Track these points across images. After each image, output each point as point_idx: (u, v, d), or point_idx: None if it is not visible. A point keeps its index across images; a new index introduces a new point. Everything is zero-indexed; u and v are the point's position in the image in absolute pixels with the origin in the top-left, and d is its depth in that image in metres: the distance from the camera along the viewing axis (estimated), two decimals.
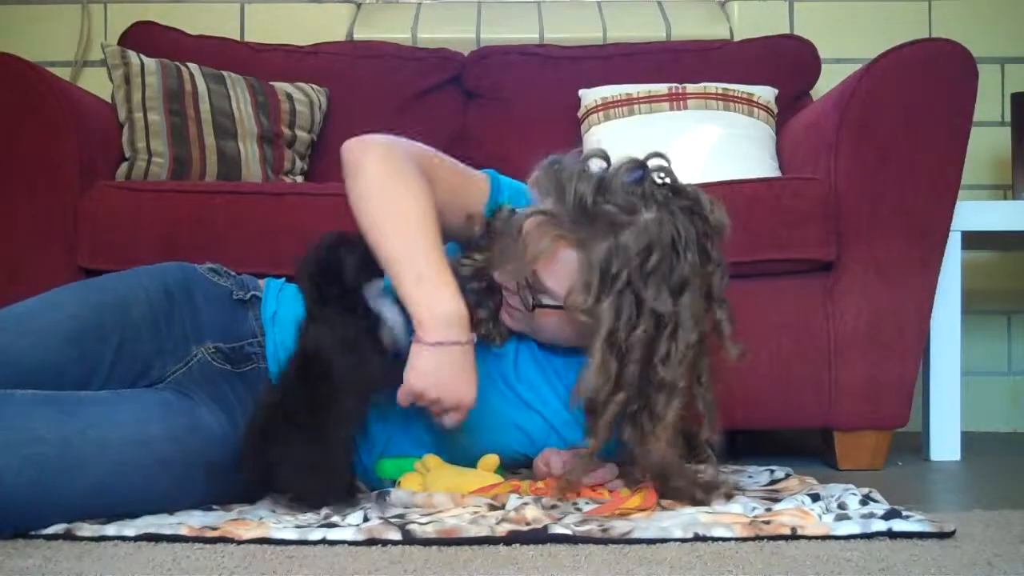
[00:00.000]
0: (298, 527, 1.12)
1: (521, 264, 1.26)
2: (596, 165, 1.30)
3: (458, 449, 1.35)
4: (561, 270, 1.26)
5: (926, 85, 1.80)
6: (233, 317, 1.38)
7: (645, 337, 1.22)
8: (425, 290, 1.18)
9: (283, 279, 1.50)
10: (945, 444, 1.96)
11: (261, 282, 1.48)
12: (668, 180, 1.28)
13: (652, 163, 1.30)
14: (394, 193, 1.22)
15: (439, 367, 1.19)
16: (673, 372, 1.23)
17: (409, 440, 1.38)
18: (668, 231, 1.23)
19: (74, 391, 1.21)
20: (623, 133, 2.26)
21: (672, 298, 1.23)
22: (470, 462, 1.35)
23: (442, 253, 1.22)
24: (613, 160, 1.31)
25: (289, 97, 2.30)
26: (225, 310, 1.38)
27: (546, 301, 1.30)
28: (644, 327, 1.22)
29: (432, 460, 1.34)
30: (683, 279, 1.23)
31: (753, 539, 1.10)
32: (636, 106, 2.29)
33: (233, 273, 1.46)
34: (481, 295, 1.34)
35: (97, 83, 2.43)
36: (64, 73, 2.57)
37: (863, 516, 1.17)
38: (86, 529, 1.12)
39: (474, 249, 1.35)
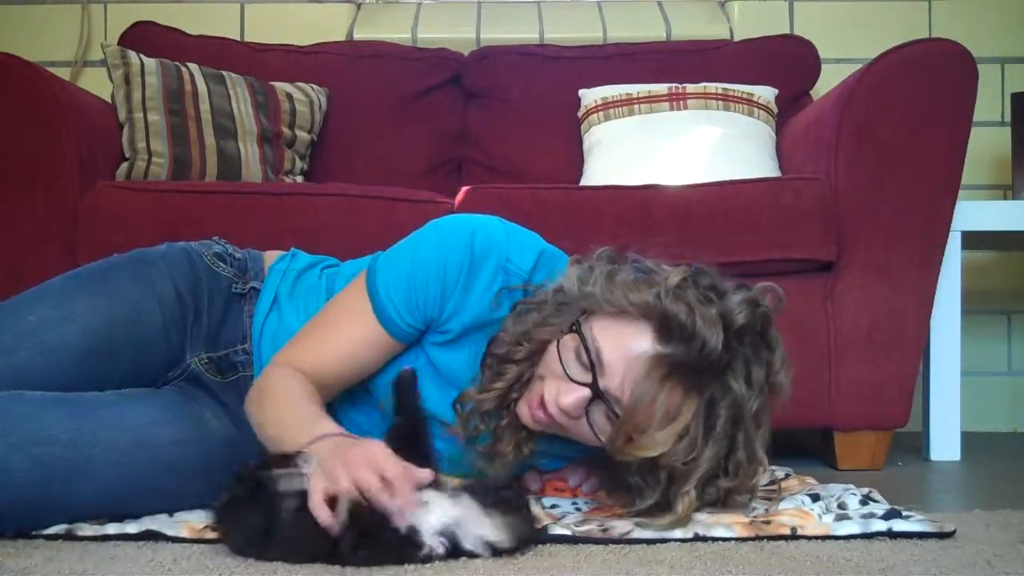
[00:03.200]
0: None
1: (614, 402, 1.13)
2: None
3: (457, 465, 1.34)
4: (672, 427, 1.11)
5: (926, 85, 1.80)
6: (226, 316, 1.37)
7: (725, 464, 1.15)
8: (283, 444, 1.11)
9: (291, 251, 1.45)
10: (945, 444, 1.96)
11: (266, 255, 1.44)
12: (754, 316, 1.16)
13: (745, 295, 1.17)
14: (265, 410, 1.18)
15: (325, 464, 1.03)
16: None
17: None
18: (758, 374, 1.15)
19: (83, 393, 1.22)
20: (623, 133, 2.26)
21: (759, 439, 1.16)
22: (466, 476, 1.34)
23: (301, 407, 1.16)
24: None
25: (289, 97, 2.30)
26: (222, 308, 1.37)
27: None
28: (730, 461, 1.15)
29: None
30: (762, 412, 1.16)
31: (753, 539, 1.10)
32: (636, 106, 2.29)
33: (237, 254, 1.43)
34: (505, 426, 1.23)
35: (97, 83, 2.43)
36: (64, 73, 2.57)
37: (863, 516, 1.17)
38: (87, 529, 1.12)
39: (494, 376, 1.23)
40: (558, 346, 1.17)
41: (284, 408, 1.17)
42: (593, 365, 1.14)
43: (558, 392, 1.16)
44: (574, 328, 1.16)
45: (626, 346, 1.13)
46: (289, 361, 1.24)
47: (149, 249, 1.40)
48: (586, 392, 1.14)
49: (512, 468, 1.27)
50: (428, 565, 0.98)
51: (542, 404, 1.18)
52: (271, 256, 1.45)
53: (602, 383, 1.13)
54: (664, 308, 1.11)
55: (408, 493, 0.99)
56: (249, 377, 1.35)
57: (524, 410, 1.21)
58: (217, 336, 1.35)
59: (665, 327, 1.11)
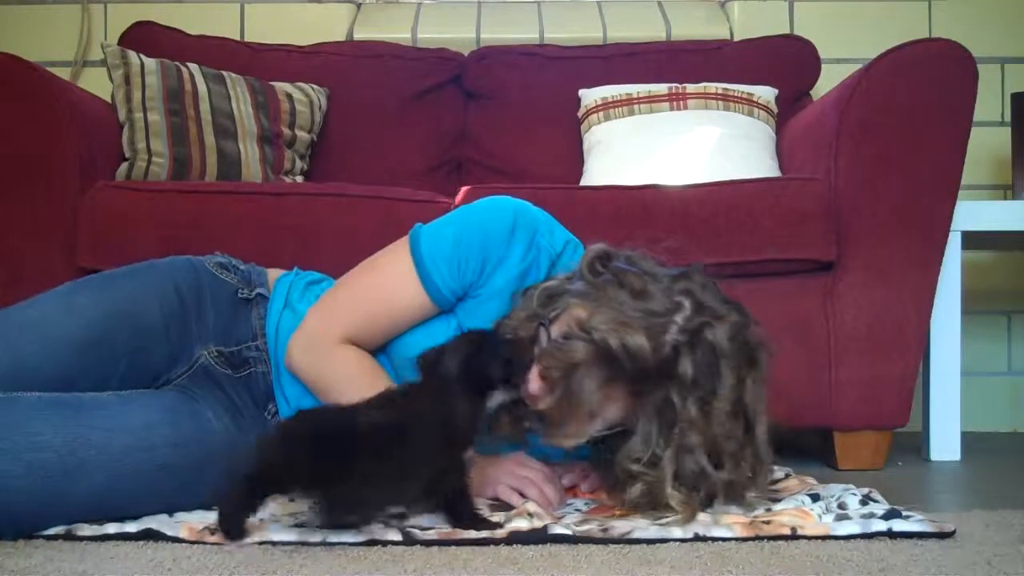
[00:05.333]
0: (298, 528, 1.12)
1: (581, 415, 1.19)
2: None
3: None
4: (619, 409, 1.20)
5: (926, 85, 1.80)
6: (235, 317, 1.39)
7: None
8: None
9: (293, 270, 1.49)
10: (945, 444, 1.96)
11: (269, 273, 1.47)
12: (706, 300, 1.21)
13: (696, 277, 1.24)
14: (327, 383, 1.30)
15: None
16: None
17: None
18: (740, 376, 1.19)
19: (79, 394, 1.21)
20: (623, 133, 2.26)
21: (745, 428, 1.21)
22: None
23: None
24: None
25: (289, 97, 2.30)
26: (229, 310, 1.39)
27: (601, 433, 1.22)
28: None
29: None
30: (749, 407, 1.21)
31: (753, 539, 1.10)
32: (636, 106, 2.29)
33: (241, 266, 1.46)
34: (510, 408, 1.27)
35: (97, 83, 2.43)
36: (64, 73, 2.57)
37: (863, 516, 1.17)
38: (87, 529, 1.12)
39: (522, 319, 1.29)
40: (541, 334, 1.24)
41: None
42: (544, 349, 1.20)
43: (533, 376, 1.22)
44: (543, 325, 1.23)
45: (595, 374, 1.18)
46: (345, 333, 1.32)
47: (153, 260, 1.43)
48: (540, 380, 1.21)
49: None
50: (428, 565, 0.98)
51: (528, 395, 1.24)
52: (274, 272, 1.48)
53: (545, 360, 1.19)
54: (611, 344, 1.15)
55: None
56: (261, 373, 1.36)
57: (531, 390, 1.25)
58: (228, 333, 1.37)
59: (607, 354, 1.16)
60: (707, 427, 1.17)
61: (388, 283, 1.33)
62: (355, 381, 1.28)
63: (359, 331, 1.33)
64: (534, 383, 1.21)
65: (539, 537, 1.08)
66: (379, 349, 1.37)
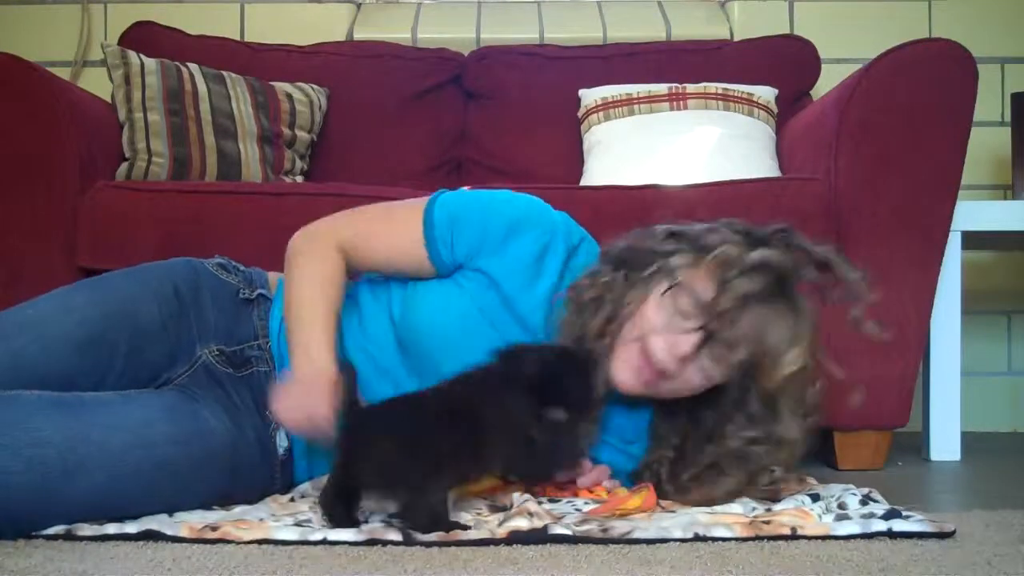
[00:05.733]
0: (299, 527, 1.12)
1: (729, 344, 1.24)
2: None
3: None
4: (798, 346, 1.28)
5: (926, 85, 1.80)
6: (237, 317, 1.39)
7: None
8: (299, 355, 1.28)
9: None
10: (945, 444, 1.96)
11: (271, 275, 1.48)
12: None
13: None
14: (296, 278, 1.35)
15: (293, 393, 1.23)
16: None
17: None
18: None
19: (80, 392, 1.21)
20: (623, 133, 2.26)
21: None
22: None
23: (323, 325, 1.30)
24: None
25: (289, 97, 2.30)
26: (230, 309, 1.39)
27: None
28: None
29: None
30: None
31: (753, 539, 1.10)
32: (636, 106, 2.29)
33: (241, 268, 1.46)
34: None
35: (97, 83, 2.43)
36: (64, 73, 2.57)
37: (863, 516, 1.17)
38: (87, 529, 1.12)
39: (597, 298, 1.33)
40: (644, 306, 1.28)
41: (307, 308, 1.31)
42: (700, 309, 1.23)
43: (670, 344, 1.25)
44: (672, 284, 1.26)
45: (730, 293, 1.24)
46: (343, 239, 1.37)
47: (152, 262, 1.44)
48: (698, 336, 1.23)
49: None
50: (428, 565, 0.99)
51: (649, 362, 1.26)
52: (276, 274, 1.48)
53: (711, 324, 1.22)
54: (733, 252, 1.26)
55: None
56: (264, 372, 1.36)
57: (625, 374, 1.29)
58: (229, 332, 1.37)
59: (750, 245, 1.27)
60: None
61: (398, 225, 1.38)
62: (310, 286, 1.33)
63: (355, 245, 1.37)
64: (687, 345, 1.24)
65: (539, 537, 1.08)
66: (387, 319, 1.38)
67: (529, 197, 1.40)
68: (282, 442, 1.35)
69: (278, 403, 1.23)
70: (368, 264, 1.40)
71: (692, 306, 1.24)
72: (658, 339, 1.26)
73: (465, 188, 1.44)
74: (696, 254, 1.29)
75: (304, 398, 1.21)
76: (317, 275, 1.35)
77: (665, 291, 1.27)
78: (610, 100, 2.31)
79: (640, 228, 1.37)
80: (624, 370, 1.29)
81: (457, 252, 1.35)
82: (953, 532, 1.12)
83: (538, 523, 1.11)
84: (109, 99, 2.16)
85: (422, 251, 1.35)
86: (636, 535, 1.09)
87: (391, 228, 1.38)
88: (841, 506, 1.25)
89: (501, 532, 1.09)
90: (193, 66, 2.23)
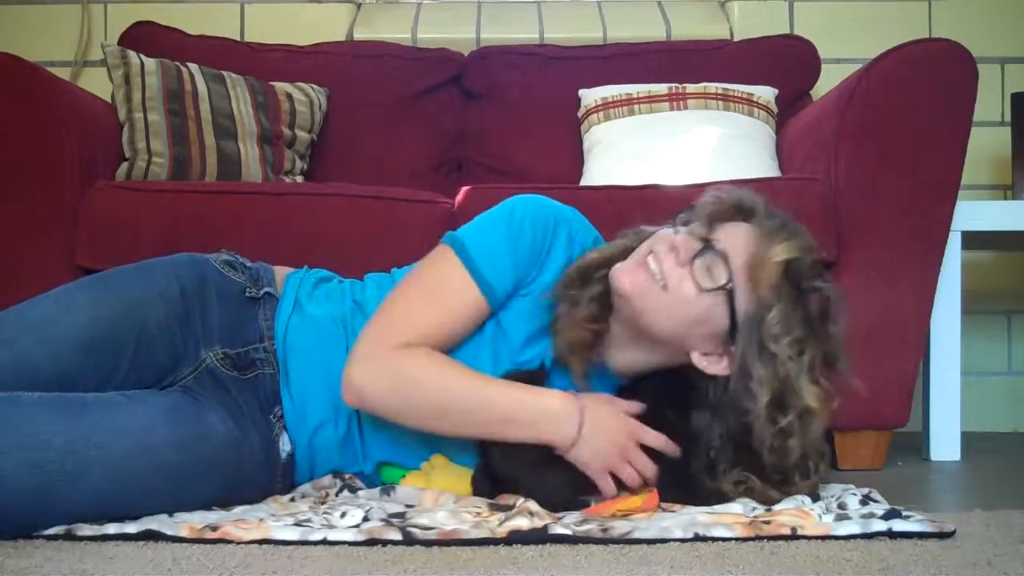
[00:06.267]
0: (299, 527, 1.12)
1: (720, 254, 1.25)
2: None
3: (466, 455, 1.35)
4: (767, 279, 1.24)
5: (926, 85, 1.80)
6: (243, 317, 1.37)
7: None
8: (549, 427, 1.26)
9: (304, 268, 1.47)
10: (945, 444, 1.96)
11: (277, 271, 1.46)
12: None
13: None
14: (421, 395, 1.28)
15: (598, 444, 1.25)
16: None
17: (407, 454, 1.38)
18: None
19: (82, 393, 1.21)
20: (623, 133, 2.26)
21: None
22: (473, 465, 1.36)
23: (498, 382, 1.29)
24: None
25: (289, 97, 2.30)
26: (235, 310, 1.37)
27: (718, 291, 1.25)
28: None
29: (438, 459, 1.35)
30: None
31: (753, 539, 1.10)
32: (636, 106, 2.29)
33: (248, 264, 1.44)
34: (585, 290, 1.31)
35: (97, 83, 2.43)
36: (64, 73, 2.57)
37: (863, 516, 1.17)
38: (87, 529, 1.12)
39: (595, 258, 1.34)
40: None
41: (482, 390, 1.27)
42: (706, 225, 1.27)
43: (670, 243, 1.26)
44: (679, 221, 1.30)
45: (728, 227, 1.28)
46: (408, 340, 1.27)
47: (157, 258, 1.42)
48: (697, 242, 1.25)
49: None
50: (428, 565, 0.99)
51: (644, 261, 1.26)
52: (283, 269, 1.47)
53: (714, 241, 1.25)
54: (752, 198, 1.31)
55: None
56: (268, 375, 1.35)
57: (624, 274, 1.27)
58: (234, 334, 1.35)
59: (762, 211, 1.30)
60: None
61: (443, 290, 1.30)
62: (440, 375, 1.27)
63: (421, 342, 1.28)
64: (621, 274, 1.26)
65: (539, 537, 1.08)
66: None
67: (542, 202, 1.36)
68: (285, 446, 1.35)
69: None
70: (442, 349, 1.30)
71: (691, 217, 1.29)
72: (661, 241, 1.27)
73: (452, 231, 1.39)
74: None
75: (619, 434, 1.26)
76: (430, 369, 1.27)
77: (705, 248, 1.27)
78: (610, 100, 2.31)
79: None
80: (621, 272, 1.27)
81: (516, 278, 1.32)
82: (953, 532, 1.12)
83: (538, 523, 1.11)
84: (109, 99, 2.16)
85: (484, 305, 1.31)
86: (636, 535, 1.09)
87: (441, 300, 1.30)
88: (841, 506, 1.25)
89: (501, 532, 1.09)
90: (193, 66, 2.23)
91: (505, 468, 1.28)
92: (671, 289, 1.24)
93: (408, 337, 1.27)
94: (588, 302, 1.30)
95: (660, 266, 1.25)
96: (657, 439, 1.27)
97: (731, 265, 1.24)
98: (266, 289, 1.41)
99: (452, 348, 1.32)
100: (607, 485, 1.26)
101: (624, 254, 1.31)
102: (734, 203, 1.31)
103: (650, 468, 1.26)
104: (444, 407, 1.27)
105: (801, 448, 1.24)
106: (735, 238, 1.26)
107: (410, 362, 1.26)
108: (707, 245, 1.25)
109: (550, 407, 1.25)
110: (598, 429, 1.24)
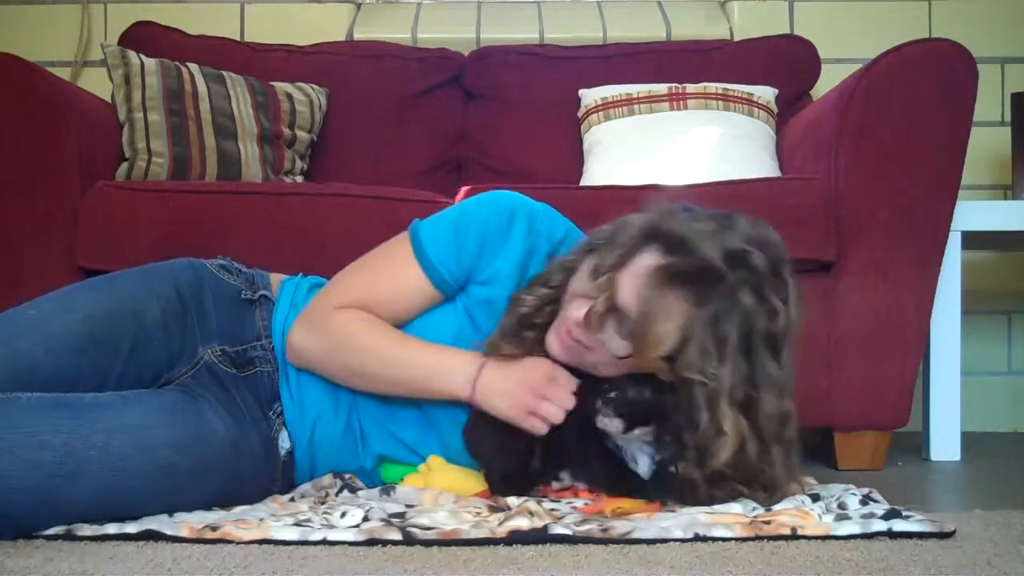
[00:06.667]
0: (299, 527, 1.12)
1: (623, 316, 1.20)
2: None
3: (461, 457, 1.36)
4: (672, 324, 1.16)
5: (926, 85, 1.80)
6: (240, 318, 1.39)
7: (755, 396, 1.20)
8: (442, 382, 1.30)
9: (299, 275, 1.49)
10: (945, 444, 1.96)
11: (273, 277, 1.47)
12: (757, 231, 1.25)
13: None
14: (344, 353, 1.33)
15: (504, 387, 1.28)
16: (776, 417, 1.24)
17: (407, 448, 1.38)
18: (776, 291, 1.20)
19: (80, 394, 1.21)
20: (623, 133, 2.26)
21: (776, 358, 1.22)
22: (473, 466, 1.36)
23: (412, 345, 1.33)
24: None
25: (289, 97, 2.30)
26: (232, 310, 1.39)
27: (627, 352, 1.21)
28: (756, 387, 1.20)
29: (436, 460, 1.35)
30: (785, 335, 1.22)
31: (753, 539, 1.10)
32: (636, 106, 2.29)
33: (244, 269, 1.46)
34: (520, 337, 1.31)
35: (97, 83, 2.43)
36: (64, 73, 2.57)
37: (863, 516, 1.17)
38: (86, 529, 1.12)
39: (539, 283, 1.32)
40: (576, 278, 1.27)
41: (398, 349, 1.32)
42: (608, 282, 1.21)
43: (578, 309, 1.24)
44: (589, 250, 1.27)
45: (635, 264, 1.20)
46: (345, 304, 1.34)
47: (153, 263, 1.44)
48: (602, 304, 1.21)
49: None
50: (428, 565, 0.99)
51: (568, 328, 1.25)
52: (278, 276, 1.49)
53: (616, 297, 1.20)
54: (665, 226, 1.21)
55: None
56: (267, 373, 1.36)
57: (553, 339, 1.28)
58: (232, 333, 1.37)
59: (666, 242, 1.19)
60: (754, 345, 1.18)
61: (387, 268, 1.37)
62: (366, 333, 1.32)
63: (360, 306, 1.35)
64: (552, 338, 1.26)
65: (539, 537, 1.08)
66: None
67: (503, 194, 1.38)
68: (284, 443, 1.35)
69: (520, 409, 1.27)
70: (378, 315, 1.35)
71: (594, 273, 1.23)
72: (573, 304, 1.25)
73: (418, 220, 1.41)
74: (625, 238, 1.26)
75: (545, 390, 1.26)
76: (359, 327, 1.33)
77: (586, 259, 1.26)
78: (610, 100, 2.31)
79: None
80: (552, 335, 1.28)
81: (463, 268, 1.34)
82: (953, 532, 1.12)
83: (538, 523, 1.11)
84: (109, 99, 2.16)
85: (429, 288, 1.35)
86: (636, 535, 1.09)
87: (385, 279, 1.36)
88: (841, 506, 1.25)
89: (501, 532, 1.09)
90: (193, 66, 2.23)
91: (469, 447, 1.33)
92: (598, 351, 1.24)
93: (347, 302, 1.34)
94: (532, 345, 1.31)
95: (579, 340, 1.25)
96: (567, 378, 1.28)
97: (632, 321, 1.19)
98: (262, 292, 1.43)
99: (396, 324, 1.36)
100: (530, 425, 1.27)
101: (554, 298, 1.29)
102: (642, 233, 1.23)
103: (569, 401, 1.27)
104: (366, 365, 1.33)
105: (729, 469, 1.21)
106: (634, 283, 1.19)
107: (342, 321, 1.33)
108: (610, 308, 1.20)
109: (445, 362, 1.31)
110: (503, 375, 1.28)
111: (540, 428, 1.27)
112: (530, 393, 1.27)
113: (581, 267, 1.26)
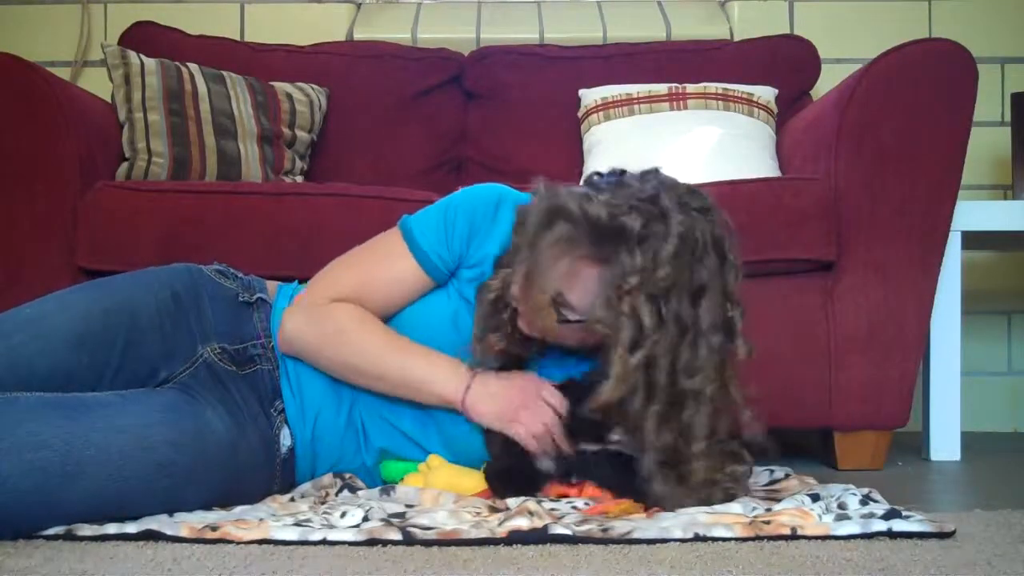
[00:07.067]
0: (299, 527, 1.12)
1: (544, 285, 1.23)
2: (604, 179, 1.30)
3: (461, 453, 1.36)
4: (583, 287, 1.22)
5: (926, 85, 1.80)
6: (238, 318, 1.40)
7: (667, 345, 1.17)
8: (436, 387, 1.33)
9: (295, 282, 1.50)
10: (945, 444, 1.96)
11: (269, 284, 1.48)
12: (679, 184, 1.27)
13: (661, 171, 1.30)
14: (329, 338, 1.36)
15: (493, 393, 1.31)
16: (699, 380, 1.19)
17: (409, 443, 1.38)
18: (689, 238, 1.19)
19: (80, 393, 1.21)
20: (623, 133, 2.26)
21: (692, 305, 1.19)
22: (473, 464, 1.36)
23: (407, 347, 1.35)
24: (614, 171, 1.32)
25: (289, 97, 2.30)
26: (230, 311, 1.40)
27: (571, 317, 1.25)
28: (666, 336, 1.17)
29: (435, 460, 1.35)
30: (702, 284, 1.19)
31: (753, 539, 1.10)
32: (636, 106, 2.29)
33: (240, 275, 1.47)
34: (498, 320, 1.33)
35: (97, 83, 2.43)
36: (64, 73, 2.57)
37: (863, 516, 1.17)
38: (87, 529, 1.12)
39: (500, 266, 1.35)
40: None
41: (392, 351, 1.34)
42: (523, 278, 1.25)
43: (522, 310, 1.29)
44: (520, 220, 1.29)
45: (542, 249, 1.23)
46: (339, 296, 1.37)
47: (150, 267, 1.45)
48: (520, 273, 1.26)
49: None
50: (428, 565, 0.99)
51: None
52: (273, 283, 1.50)
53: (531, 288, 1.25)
54: (557, 202, 1.23)
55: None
56: (267, 371, 1.37)
57: (522, 322, 1.32)
58: (231, 332, 1.38)
59: (566, 216, 1.21)
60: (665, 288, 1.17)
61: (382, 259, 1.39)
62: (360, 329, 1.35)
63: (354, 297, 1.37)
64: (522, 321, 1.29)
65: (539, 537, 1.08)
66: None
67: (491, 186, 1.42)
68: (286, 440, 1.36)
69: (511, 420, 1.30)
70: (374, 309, 1.38)
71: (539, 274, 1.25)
72: (517, 304, 1.30)
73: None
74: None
75: (528, 403, 1.29)
76: (353, 322, 1.35)
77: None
78: (610, 100, 2.31)
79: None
80: (521, 318, 1.31)
81: (454, 253, 1.36)
82: (953, 532, 1.12)
83: (538, 523, 1.11)
84: (109, 99, 2.16)
85: (421, 275, 1.37)
86: (636, 535, 1.09)
87: (377, 268, 1.39)
88: (841, 506, 1.25)
89: (501, 532, 1.09)
90: (193, 66, 2.23)
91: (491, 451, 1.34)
92: (556, 336, 1.30)
93: (342, 293, 1.37)
94: (506, 332, 1.33)
95: (532, 326, 1.30)
96: (554, 394, 1.31)
97: (582, 309, 1.23)
98: (259, 295, 1.44)
99: (389, 313, 1.39)
100: (515, 433, 1.30)
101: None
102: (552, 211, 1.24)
103: (548, 417, 1.30)
104: (357, 362, 1.35)
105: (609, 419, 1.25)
106: (582, 279, 1.23)
107: (337, 315, 1.35)
108: (559, 307, 1.24)
109: (438, 372, 1.33)
110: (492, 386, 1.32)
111: (525, 437, 1.30)
112: (520, 402, 1.30)
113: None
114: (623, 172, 1.30)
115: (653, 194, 1.22)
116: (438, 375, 1.33)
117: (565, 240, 1.21)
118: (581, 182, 1.34)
